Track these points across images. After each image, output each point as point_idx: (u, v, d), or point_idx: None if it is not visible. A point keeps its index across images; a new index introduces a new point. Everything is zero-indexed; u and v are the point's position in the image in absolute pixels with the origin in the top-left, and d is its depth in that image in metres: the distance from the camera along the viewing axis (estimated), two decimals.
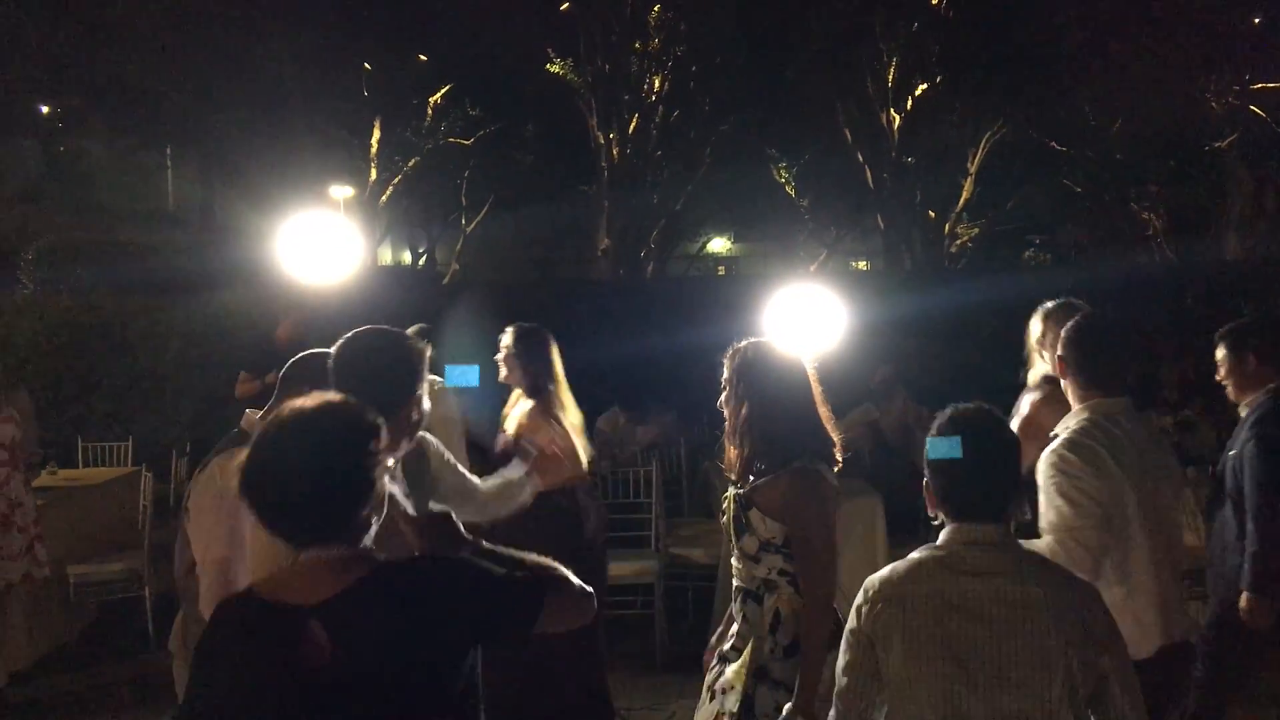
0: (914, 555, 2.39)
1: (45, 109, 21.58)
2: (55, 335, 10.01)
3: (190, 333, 10.00)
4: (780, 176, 23.70)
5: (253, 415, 3.09)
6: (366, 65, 19.97)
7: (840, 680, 2.46)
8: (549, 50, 20.97)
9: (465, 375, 5.16)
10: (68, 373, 9.93)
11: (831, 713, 2.48)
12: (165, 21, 17.81)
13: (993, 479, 2.38)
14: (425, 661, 1.87)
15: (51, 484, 6.88)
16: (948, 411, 2.47)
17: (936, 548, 2.37)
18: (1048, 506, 3.01)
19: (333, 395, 2.02)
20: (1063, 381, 3.32)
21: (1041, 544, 2.93)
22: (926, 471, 2.43)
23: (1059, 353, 3.31)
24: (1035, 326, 3.90)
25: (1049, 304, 3.85)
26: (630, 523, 6.41)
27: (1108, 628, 2.31)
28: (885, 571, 2.41)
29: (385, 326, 2.83)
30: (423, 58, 20.51)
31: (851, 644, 2.42)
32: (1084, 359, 3.26)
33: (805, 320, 5.57)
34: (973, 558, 2.32)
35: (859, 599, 2.42)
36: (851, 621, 2.42)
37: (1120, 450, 3.05)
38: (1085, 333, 3.29)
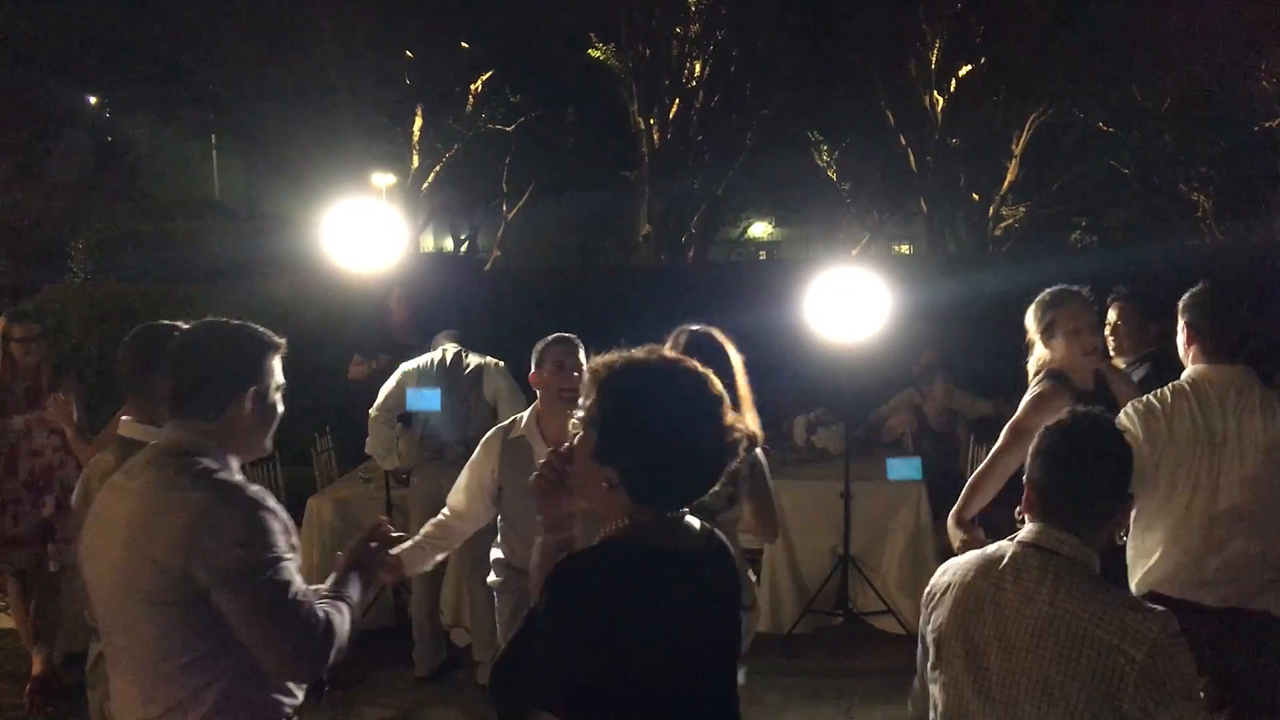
0: (988, 551, 2.34)
1: (93, 99, 21.87)
2: (105, 322, 10.18)
3: (237, 318, 10.13)
4: (822, 160, 23.53)
5: (130, 423, 2.86)
6: (408, 53, 20.06)
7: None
8: (590, 36, 20.95)
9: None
10: (118, 359, 10.07)
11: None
12: (209, 10, 17.99)
13: (1081, 489, 2.26)
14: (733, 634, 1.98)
15: None
16: (1064, 415, 2.38)
17: (1005, 548, 2.33)
18: None
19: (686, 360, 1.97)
20: (1183, 347, 3.44)
21: None
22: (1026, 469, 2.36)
23: (1184, 318, 3.42)
24: (1033, 315, 3.91)
25: (1050, 291, 3.88)
26: None
27: (1177, 677, 2.08)
28: (954, 566, 2.41)
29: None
30: (464, 45, 20.56)
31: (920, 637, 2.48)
32: (1204, 324, 3.37)
33: (847, 304, 5.57)
34: (1031, 568, 2.23)
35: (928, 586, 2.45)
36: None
37: (1185, 417, 3.27)
38: (1210, 298, 3.39)
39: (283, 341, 2.39)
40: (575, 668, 1.74)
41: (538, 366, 3.85)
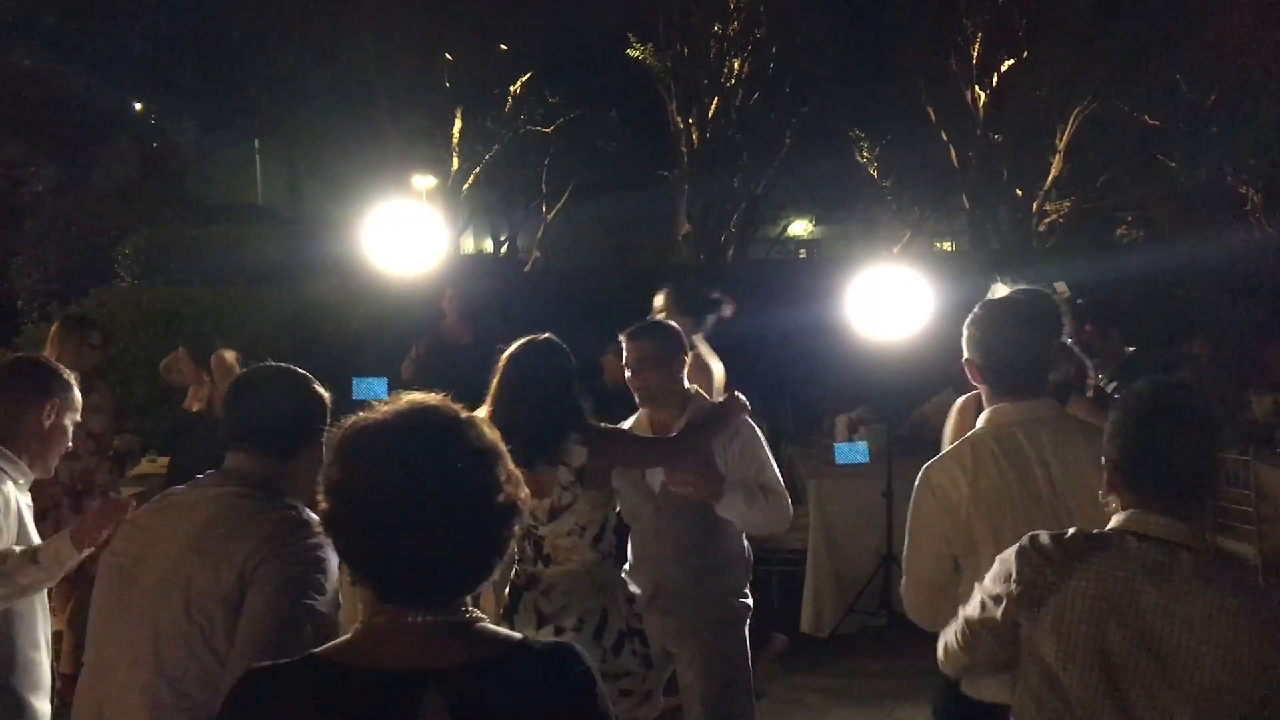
0: (1097, 545, 2.07)
1: (138, 106, 22.16)
2: (152, 326, 10.28)
3: (281, 321, 10.19)
4: (862, 157, 23.40)
5: None
6: (448, 55, 20.17)
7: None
8: (628, 35, 20.97)
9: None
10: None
11: None
12: (251, 16, 18.18)
13: (1181, 465, 2.06)
14: None
15: (151, 471, 7.08)
16: (1145, 386, 2.15)
17: (1104, 534, 2.10)
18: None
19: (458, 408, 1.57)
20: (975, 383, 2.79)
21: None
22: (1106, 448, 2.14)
23: (966, 352, 2.75)
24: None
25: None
26: None
27: None
28: (1048, 543, 2.09)
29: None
30: (503, 47, 20.64)
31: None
32: (986, 353, 2.68)
33: (889, 303, 5.52)
34: (1145, 553, 2.02)
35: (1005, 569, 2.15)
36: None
37: (1002, 470, 2.63)
38: (987, 320, 2.71)
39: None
40: None
41: None
